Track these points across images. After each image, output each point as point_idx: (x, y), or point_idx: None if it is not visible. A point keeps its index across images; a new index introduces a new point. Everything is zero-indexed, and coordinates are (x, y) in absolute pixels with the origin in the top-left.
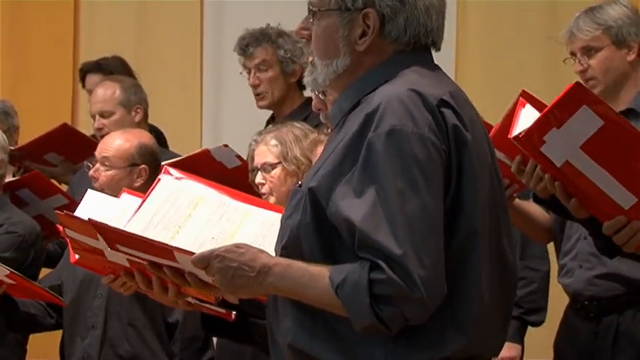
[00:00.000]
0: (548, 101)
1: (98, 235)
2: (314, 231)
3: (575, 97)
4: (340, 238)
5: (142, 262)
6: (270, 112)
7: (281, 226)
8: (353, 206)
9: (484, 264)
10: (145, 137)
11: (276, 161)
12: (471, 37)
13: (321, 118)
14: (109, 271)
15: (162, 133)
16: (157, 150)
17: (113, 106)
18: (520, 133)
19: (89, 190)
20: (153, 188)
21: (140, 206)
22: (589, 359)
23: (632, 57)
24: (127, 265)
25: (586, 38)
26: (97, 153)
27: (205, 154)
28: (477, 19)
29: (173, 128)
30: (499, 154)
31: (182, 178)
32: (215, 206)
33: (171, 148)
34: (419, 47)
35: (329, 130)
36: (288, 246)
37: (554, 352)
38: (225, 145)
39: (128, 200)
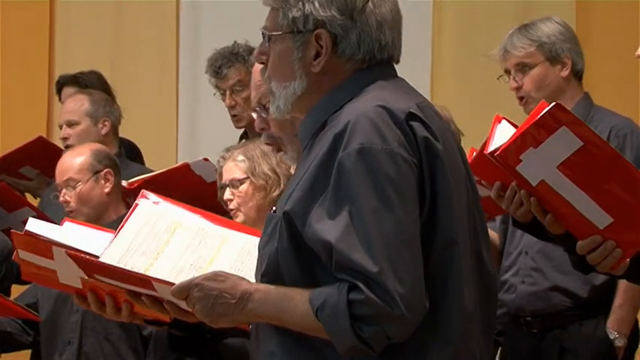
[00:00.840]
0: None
1: (54, 255)
2: (293, 256)
3: (555, 118)
4: (320, 262)
5: (116, 288)
6: None
7: (259, 254)
8: (328, 228)
9: (465, 274)
10: (94, 145)
11: (243, 177)
12: (445, 41)
13: (262, 139)
14: (64, 289)
15: (136, 147)
16: (111, 153)
17: (80, 117)
18: (495, 150)
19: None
20: (130, 213)
21: (118, 232)
22: None
23: (565, 73)
24: (80, 286)
25: (520, 55)
26: (57, 180)
27: (185, 168)
28: (453, 22)
29: (148, 141)
30: (483, 182)
31: (159, 202)
32: (193, 231)
33: (146, 161)
34: (375, 63)
35: None
36: (268, 273)
37: None
38: (206, 159)
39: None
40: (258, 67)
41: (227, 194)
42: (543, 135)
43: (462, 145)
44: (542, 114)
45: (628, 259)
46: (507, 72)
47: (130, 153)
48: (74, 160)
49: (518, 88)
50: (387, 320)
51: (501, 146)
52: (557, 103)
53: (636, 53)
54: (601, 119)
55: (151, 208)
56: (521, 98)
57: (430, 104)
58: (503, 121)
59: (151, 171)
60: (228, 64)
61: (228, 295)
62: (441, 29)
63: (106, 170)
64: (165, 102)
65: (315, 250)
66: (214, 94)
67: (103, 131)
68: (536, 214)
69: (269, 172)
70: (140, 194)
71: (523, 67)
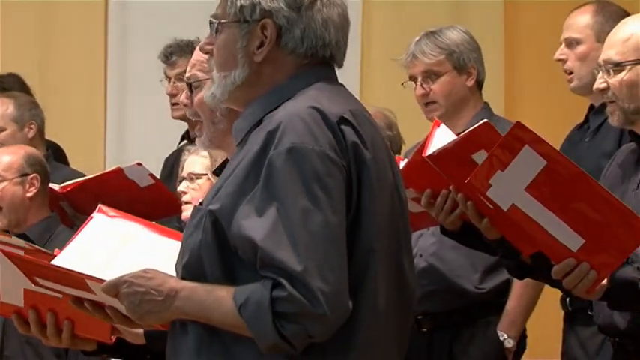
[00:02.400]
0: None
1: None
2: (215, 251)
3: (517, 137)
4: (241, 260)
5: (60, 295)
6: (181, 127)
7: (182, 244)
8: (255, 225)
9: (380, 283)
10: (29, 148)
11: (202, 172)
12: (375, 41)
13: (187, 114)
14: (5, 312)
15: (60, 149)
16: (44, 160)
17: (5, 122)
18: (439, 151)
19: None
20: (84, 226)
21: (70, 243)
22: None
23: (471, 82)
24: (21, 303)
25: (429, 62)
26: None
27: (118, 173)
28: (382, 21)
29: (75, 143)
30: (411, 189)
31: (115, 216)
32: (145, 245)
33: (73, 163)
34: (318, 60)
35: None
36: (190, 265)
37: None
38: (139, 164)
39: None
40: (200, 46)
41: (182, 186)
42: (508, 157)
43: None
44: (505, 135)
45: (605, 282)
46: (413, 78)
47: (55, 156)
48: (6, 158)
49: (425, 95)
50: (310, 319)
51: (472, 174)
52: (517, 122)
53: (555, 57)
54: (502, 129)
55: (105, 222)
56: (426, 104)
57: (365, 112)
58: (442, 126)
59: (80, 174)
60: (179, 53)
61: (155, 292)
62: (370, 30)
63: (33, 175)
64: (93, 103)
65: (237, 247)
66: (160, 80)
67: (30, 135)
68: (472, 219)
69: None
70: (97, 209)
71: (431, 75)
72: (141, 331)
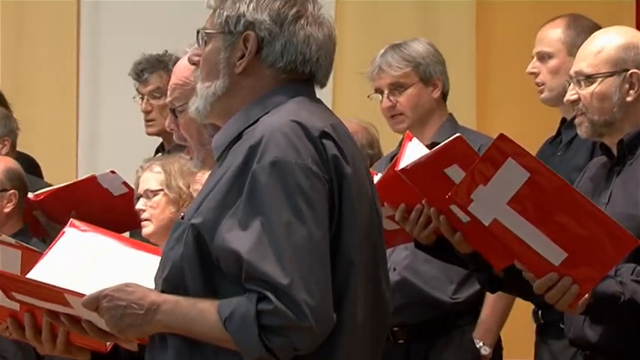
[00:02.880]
0: None
1: None
2: (197, 264)
3: (501, 150)
4: (223, 273)
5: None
6: (156, 140)
7: (163, 257)
8: (239, 238)
9: (359, 296)
10: (11, 162)
11: (158, 188)
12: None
13: (175, 139)
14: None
15: (35, 162)
16: (24, 174)
17: None
18: (411, 165)
19: None
20: (57, 240)
21: (43, 257)
22: None
23: (437, 94)
24: (17, 308)
25: (396, 74)
26: None
27: (92, 181)
28: (354, 33)
29: (48, 156)
30: (386, 204)
31: (87, 230)
32: (119, 259)
33: (45, 175)
34: (297, 76)
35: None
36: (171, 278)
37: None
38: (113, 172)
39: None
40: (177, 68)
41: (140, 204)
42: (491, 170)
43: None
44: (489, 147)
45: (587, 296)
46: (379, 91)
47: (29, 169)
48: None
49: (391, 107)
50: (296, 332)
51: (453, 189)
52: (501, 134)
53: (527, 70)
54: (469, 139)
55: (78, 236)
56: (393, 116)
57: (344, 126)
58: (414, 139)
59: (51, 186)
60: (150, 70)
61: (136, 305)
62: (343, 43)
63: (12, 192)
64: (66, 116)
65: (220, 260)
66: (134, 98)
67: (4, 151)
68: (445, 233)
69: (183, 187)
70: (69, 223)
71: (398, 87)
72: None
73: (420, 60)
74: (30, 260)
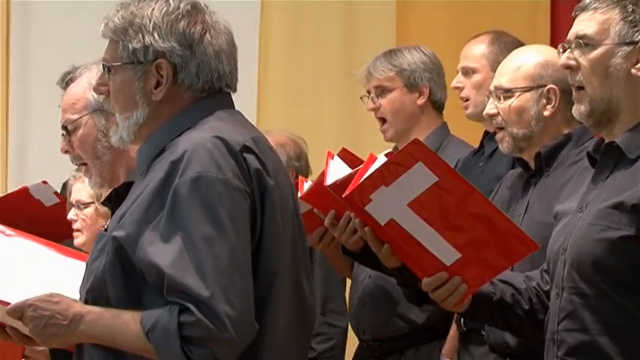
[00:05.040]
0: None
1: None
2: (120, 275)
3: (413, 155)
4: (147, 283)
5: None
6: None
7: (86, 269)
8: (161, 252)
9: (282, 305)
10: None
11: (89, 200)
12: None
13: (71, 160)
14: None
15: None
16: None
17: None
18: (338, 188)
19: None
20: None
21: None
22: None
23: (422, 101)
24: None
25: (380, 77)
26: None
27: (24, 192)
28: (279, 48)
29: None
30: (316, 210)
31: (12, 235)
32: (45, 263)
33: None
34: (214, 92)
35: None
36: (93, 289)
37: None
38: (44, 182)
39: None
40: (68, 91)
41: (72, 214)
42: (398, 172)
43: None
44: (400, 151)
45: (471, 296)
46: (369, 93)
47: None
48: None
49: (375, 109)
50: (216, 343)
51: (352, 186)
52: (415, 139)
53: (451, 85)
54: (452, 150)
55: (3, 241)
56: (382, 121)
57: (265, 139)
58: (336, 157)
59: None
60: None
61: (60, 316)
62: (268, 55)
63: None
64: None
65: (143, 272)
66: (59, 106)
67: None
68: (371, 245)
69: None
70: None
71: (382, 90)
72: (46, 350)
73: (406, 66)
74: None
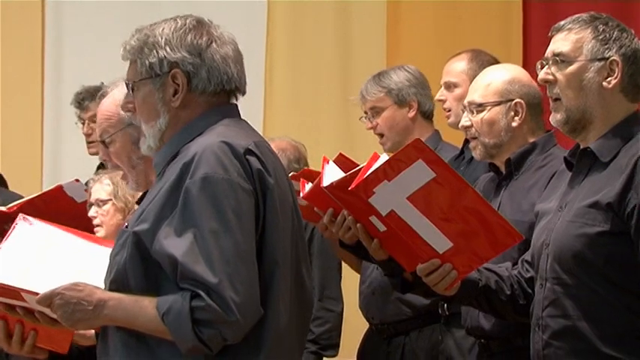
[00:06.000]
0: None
1: None
2: (139, 267)
3: (413, 153)
4: (164, 273)
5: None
6: None
7: (110, 262)
8: (175, 244)
9: (283, 292)
10: None
11: (107, 198)
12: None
13: (109, 168)
14: None
15: (1, 176)
16: None
17: None
18: (332, 184)
19: None
20: (10, 233)
21: None
22: None
23: (412, 114)
24: None
25: (372, 100)
26: None
27: (58, 190)
28: (284, 64)
29: (15, 170)
30: (316, 209)
31: (37, 223)
32: (70, 249)
33: (12, 185)
34: (225, 98)
35: None
36: (117, 280)
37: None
38: (77, 180)
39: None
40: (101, 106)
41: (92, 211)
42: (401, 168)
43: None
44: (402, 149)
45: (459, 282)
46: (366, 114)
47: None
48: None
49: (373, 128)
50: (224, 324)
51: (357, 180)
52: (416, 139)
53: (435, 97)
54: (445, 154)
55: (27, 229)
56: (380, 135)
57: (266, 143)
58: (331, 162)
59: (19, 196)
60: (90, 98)
61: (85, 302)
62: (273, 70)
63: None
64: (31, 132)
65: (160, 262)
66: (75, 123)
67: None
68: (362, 240)
69: (130, 197)
70: (19, 217)
71: (376, 111)
72: (91, 332)
73: (393, 86)
74: None
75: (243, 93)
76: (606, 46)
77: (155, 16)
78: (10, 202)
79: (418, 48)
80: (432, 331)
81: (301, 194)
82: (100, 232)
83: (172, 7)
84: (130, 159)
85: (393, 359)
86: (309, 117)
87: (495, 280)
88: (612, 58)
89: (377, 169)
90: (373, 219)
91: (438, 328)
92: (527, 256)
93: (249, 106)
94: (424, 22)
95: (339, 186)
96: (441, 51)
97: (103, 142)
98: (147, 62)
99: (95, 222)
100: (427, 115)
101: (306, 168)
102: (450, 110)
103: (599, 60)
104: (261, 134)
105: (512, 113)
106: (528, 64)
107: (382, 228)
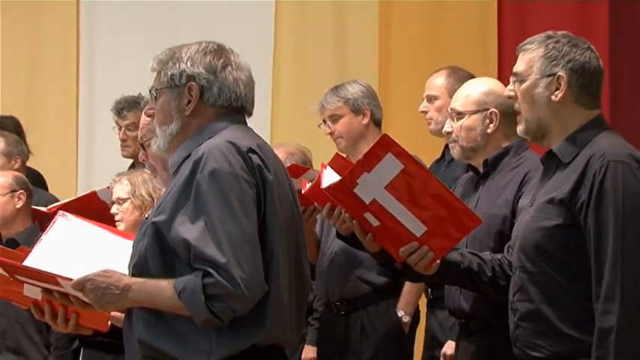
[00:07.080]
0: None
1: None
2: (158, 253)
3: (383, 147)
4: (179, 258)
5: (38, 287)
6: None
7: (133, 249)
8: (188, 230)
9: (282, 274)
10: (16, 172)
11: (126, 197)
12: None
13: (147, 168)
14: (26, 302)
15: (41, 176)
16: (28, 182)
17: None
18: (329, 186)
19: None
20: (50, 228)
21: (38, 242)
22: (343, 344)
23: (366, 121)
24: (39, 298)
25: (331, 108)
26: None
27: (93, 195)
28: (290, 75)
29: (52, 173)
30: (316, 204)
31: (73, 219)
32: (100, 242)
33: (51, 188)
34: (232, 110)
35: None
36: (138, 265)
37: (317, 339)
38: (109, 187)
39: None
40: (144, 113)
41: (114, 209)
42: (374, 161)
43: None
44: (373, 144)
45: (438, 262)
46: (324, 121)
47: (36, 181)
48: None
49: (331, 133)
50: (232, 298)
51: (342, 174)
52: (385, 134)
53: (419, 109)
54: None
55: (66, 224)
56: (336, 139)
57: (268, 145)
58: (328, 167)
59: (55, 197)
60: (128, 108)
61: (113, 287)
62: (279, 82)
63: (20, 191)
64: (67, 140)
65: (176, 248)
66: (113, 128)
67: (15, 166)
68: (357, 234)
69: (146, 196)
70: (58, 213)
71: (335, 118)
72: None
73: (350, 96)
74: None
75: (250, 114)
76: (554, 63)
77: (176, 17)
78: (45, 203)
79: (409, 63)
80: (387, 305)
81: (302, 191)
82: (121, 227)
83: (190, 7)
84: (164, 161)
85: (352, 332)
86: (312, 123)
87: (478, 262)
88: (558, 73)
89: (357, 162)
90: (367, 215)
91: (393, 302)
92: (511, 242)
93: (256, 115)
94: (414, 27)
95: (335, 188)
96: (428, 66)
97: (142, 144)
98: (169, 73)
99: (116, 218)
100: (377, 123)
101: (293, 163)
102: (431, 119)
103: (548, 76)
104: (269, 140)
105: (488, 121)
106: (503, 58)
107: (375, 223)
